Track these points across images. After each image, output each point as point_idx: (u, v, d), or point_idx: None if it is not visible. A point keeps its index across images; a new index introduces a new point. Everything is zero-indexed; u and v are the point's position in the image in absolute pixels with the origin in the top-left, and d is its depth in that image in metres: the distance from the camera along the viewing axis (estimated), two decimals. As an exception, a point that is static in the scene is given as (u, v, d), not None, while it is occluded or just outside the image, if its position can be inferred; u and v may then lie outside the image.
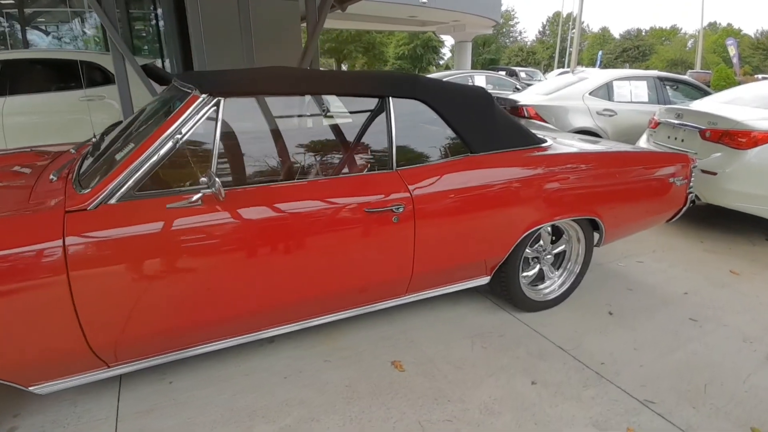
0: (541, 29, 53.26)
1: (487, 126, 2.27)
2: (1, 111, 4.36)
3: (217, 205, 1.68)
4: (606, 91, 5.81)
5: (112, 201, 1.58)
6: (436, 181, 2.07)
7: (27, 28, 9.98)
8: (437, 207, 2.06)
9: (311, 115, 2.53)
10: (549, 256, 2.64)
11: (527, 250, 2.52)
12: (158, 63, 7.47)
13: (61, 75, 4.75)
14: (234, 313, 1.80)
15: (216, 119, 1.73)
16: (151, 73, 5.21)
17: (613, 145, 2.96)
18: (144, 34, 10.52)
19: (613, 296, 2.85)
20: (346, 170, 2.22)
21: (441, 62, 43.62)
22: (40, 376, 1.59)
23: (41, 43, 9.70)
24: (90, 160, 1.90)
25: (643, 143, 4.69)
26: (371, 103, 2.08)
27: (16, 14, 9.05)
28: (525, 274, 2.61)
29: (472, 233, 2.18)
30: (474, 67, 36.10)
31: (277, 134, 2.27)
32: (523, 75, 17.01)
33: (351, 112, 2.50)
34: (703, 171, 3.74)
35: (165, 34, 7.55)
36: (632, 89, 5.87)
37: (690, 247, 3.70)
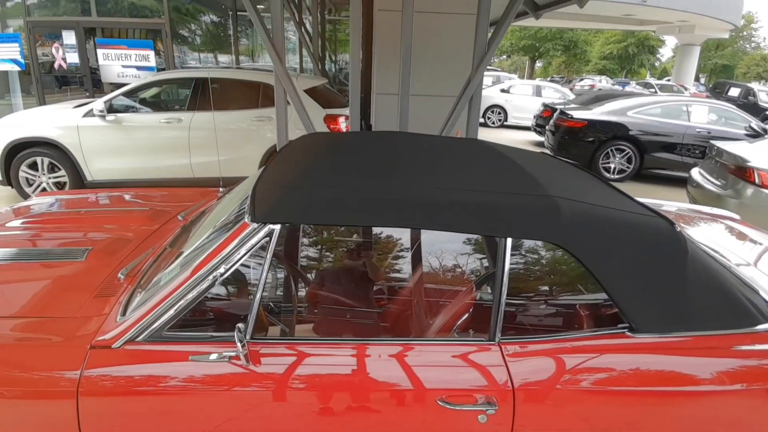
0: (794, 37, 41.10)
1: (669, 291, 1.45)
2: (189, 125, 4.90)
3: (242, 366, 1.35)
4: None
5: (140, 338, 1.38)
6: (560, 372, 1.39)
7: (254, 30, 11.48)
8: (553, 409, 1.39)
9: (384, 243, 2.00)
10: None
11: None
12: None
13: (242, 95, 5.14)
14: None
15: (266, 252, 1.39)
16: (320, 96, 5.32)
17: None
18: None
19: None
20: (422, 332, 1.68)
21: (657, 64, 37.57)
22: None
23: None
24: (161, 258, 1.77)
25: None
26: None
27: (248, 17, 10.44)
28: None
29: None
30: (701, 73, 30.02)
31: (337, 267, 1.84)
32: (763, 96, 13.17)
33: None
34: None
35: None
36: None
37: None
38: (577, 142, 7.41)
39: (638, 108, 7.23)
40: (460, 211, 1.43)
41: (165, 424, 1.37)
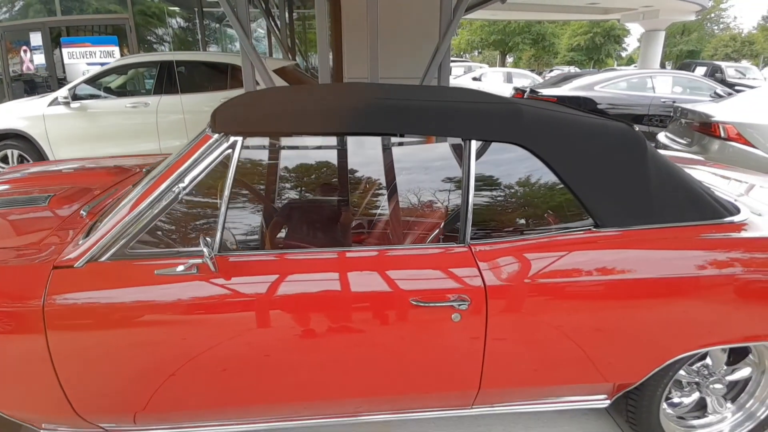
0: (765, 14, 42.36)
1: (631, 186, 1.48)
2: (156, 109, 4.81)
3: (212, 276, 1.32)
4: None
5: (103, 258, 1.35)
6: (529, 267, 1.40)
7: (222, 26, 11.37)
8: (525, 305, 1.40)
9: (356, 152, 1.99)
10: (718, 386, 1.72)
11: (681, 371, 1.66)
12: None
13: (211, 77, 5.07)
14: (226, 401, 1.45)
15: (229, 165, 1.36)
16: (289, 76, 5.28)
17: None
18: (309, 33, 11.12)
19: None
20: (394, 240, 1.68)
21: (623, 54, 38.47)
22: (49, 421, 1.48)
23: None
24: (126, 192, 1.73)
25: None
26: (443, 144, 1.50)
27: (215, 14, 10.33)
28: (674, 401, 1.75)
29: (579, 348, 1.45)
30: (666, 60, 30.86)
31: (305, 179, 1.83)
32: (731, 72, 13.62)
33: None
34: None
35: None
36: None
37: None
38: (549, 118, 7.52)
39: (605, 82, 7.38)
40: (425, 115, 1.44)
41: (142, 352, 1.33)
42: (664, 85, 7.19)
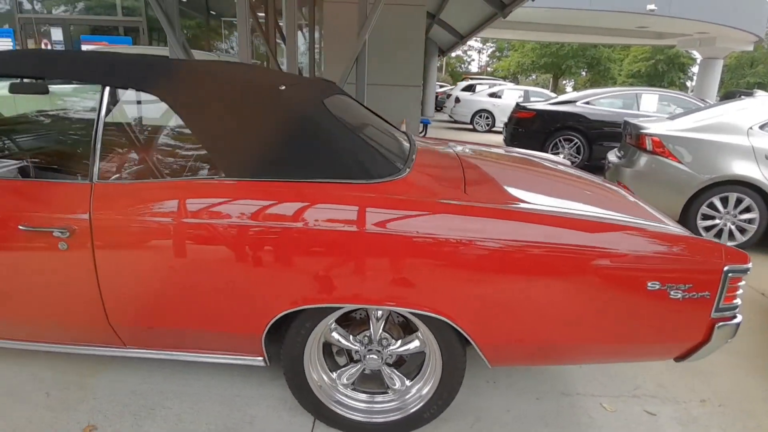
0: None
1: (263, 141, 1.51)
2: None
3: None
4: (797, 124, 3.69)
5: None
6: (140, 207, 1.48)
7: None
8: (133, 243, 1.47)
9: None
10: (372, 356, 1.67)
11: (337, 336, 1.65)
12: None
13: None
14: None
15: None
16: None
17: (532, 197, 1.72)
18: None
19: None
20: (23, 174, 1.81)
21: (689, 84, 36.38)
22: None
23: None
24: None
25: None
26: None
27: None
28: (345, 371, 1.72)
29: (185, 290, 1.50)
30: (724, 90, 28.82)
31: None
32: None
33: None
34: None
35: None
36: None
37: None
38: (528, 132, 7.33)
39: (588, 98, 7.12)
40: (62, 61, 1.57)
41: None
42: (649, 103, 6.81)
